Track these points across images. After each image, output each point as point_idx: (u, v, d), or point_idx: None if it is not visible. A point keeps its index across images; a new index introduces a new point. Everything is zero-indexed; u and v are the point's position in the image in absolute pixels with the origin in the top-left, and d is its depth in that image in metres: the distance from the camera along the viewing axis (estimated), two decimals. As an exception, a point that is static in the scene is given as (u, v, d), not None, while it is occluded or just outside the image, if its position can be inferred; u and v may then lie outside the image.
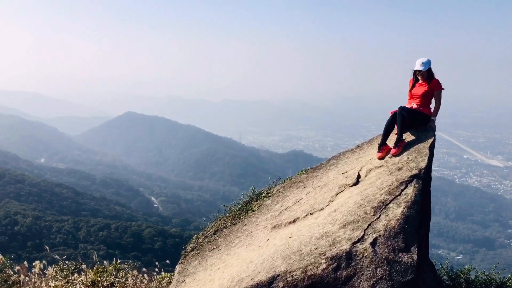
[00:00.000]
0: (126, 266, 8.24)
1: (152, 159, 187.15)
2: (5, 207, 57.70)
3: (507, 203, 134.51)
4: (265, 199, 7.77)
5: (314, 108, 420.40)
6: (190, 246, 7.34)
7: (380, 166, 6.20)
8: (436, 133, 6.60)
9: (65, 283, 7.04)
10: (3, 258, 8.28)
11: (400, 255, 4.56)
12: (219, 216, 8.10)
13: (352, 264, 4.54)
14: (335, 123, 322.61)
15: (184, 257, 7.03)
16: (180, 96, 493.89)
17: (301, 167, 8.59)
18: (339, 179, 6.59)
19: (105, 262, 7.73)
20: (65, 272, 7.50)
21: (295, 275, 4.54)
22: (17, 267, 8.04)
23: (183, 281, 6.17)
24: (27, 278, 7.56)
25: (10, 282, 7.70)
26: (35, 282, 7.43)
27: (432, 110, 6.78)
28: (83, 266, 7.83)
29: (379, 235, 4.70)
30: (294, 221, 6.05)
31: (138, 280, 7.75)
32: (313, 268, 4.55)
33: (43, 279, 7.47)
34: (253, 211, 7.47)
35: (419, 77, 6.77)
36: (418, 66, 6.64)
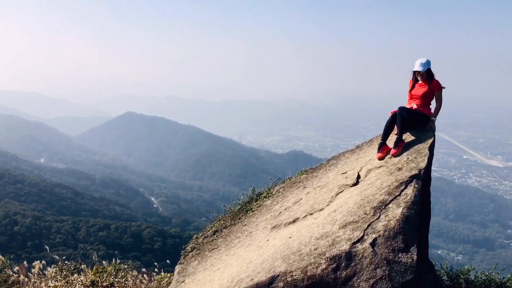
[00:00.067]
0: (126, 266, 8.23)
1: (152, 159, 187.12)
2: (4, 207, 57.68)
3: (507, 203, 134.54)
4: (264, 199, 7.77)
5: (314, 108, 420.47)
6: (190, 246, 7.34)
7: (380, 167, 6.21)
8: (435, 133, 6.60)
9: (64, 283, 7.04)
10: (2, 258, 8.28)
11: (399, 256, 4.56)
12: (219, 217, 8.10)
13: (352, 264, 4.54)
14: (335, 123, 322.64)
15: (184, 257, 7.02)
16: (180, 96, 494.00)
17: (300, 168, 8.59)
18: (339, 180, 6.59)
19: (104, 262, 7.73)
20: (64, 272, 7.49)
21: (295, 276, 4.54)
22: (17, 267, 8.04)
23: (182, 281, 6.17)
24: (26, 279, 7.56)
25: (10, 282, 7.70)
26: (35, 282, 7.43)
27: (432, 111, 6.79)
28: (83, 266, 7.83)
29: (379, 236, 4.70)
30: (293, 221, 6.05)
31: (137, 280, 7.75)
32: (313, 268, 4.55)
33: (43, 279, 7.46)
34: (252, 211, 7.47)
35: (418, 78, 6.77)
36: (417, 67, 6.63)
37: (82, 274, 7.48)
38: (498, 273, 6.74)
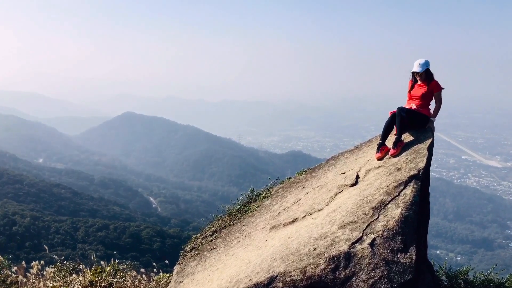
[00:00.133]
0: (125, 266, 8.23)
1: (151, 160, 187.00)
2: (3, 207, 57.61)
3: (505, 203, 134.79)
4: (264, 199, 7.76)
5: (313, 108, 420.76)
6: (189, 246, 7.33)
7: (379, 167, 6.21)
8: (434, 133, 6.60)
9: (63, 283, 7.03)
10: (1, 259, 8.28)
11: (398, 256, 4.56)
12: (218, 217, 8.09)
13: (351, 264, 4.54)
14: (334, 123, 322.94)
15: (183, 257, 7.02)
16: (179, 96, 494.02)
17: (300, 168, 8.59)
18: (338, 180, 6.59)
19: (102, 262, 7.72)
20: (63, 273, 7.48)
21: (294, 276, 4.54)
22: (15, 268, 8.03)
23: (181, 282, 6.16)
24: (25, 279, 7.55)
25: (8, 282, 7.69)
26: (33, 282, 7.42)
27: (431, 111, 6.79)
28: (81, 266, 7.82)
29: (378, 236, 4.70)
30: (293, 221, 6.05)
31: (136, 280, 7.74)
32: (312, 268, 4.55)
33: (41, 279, 7.45)
34: (251, 211, 7.47)
35: (417, 78, 6.77)
36: (415, 68, 6.64)
37: (80, 274, 7.47)
38: (496, 273, 6.75)
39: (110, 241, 53.44)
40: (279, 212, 6.70)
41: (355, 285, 4.45)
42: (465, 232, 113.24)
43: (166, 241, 55.43)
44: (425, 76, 6.65)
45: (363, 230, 4.82)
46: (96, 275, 7.10)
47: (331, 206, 5.83)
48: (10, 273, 8.02)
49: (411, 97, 6.86)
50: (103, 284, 6.93)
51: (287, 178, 8.36)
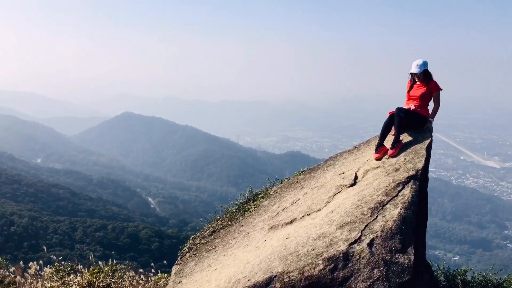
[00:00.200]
0: (124, 266, 8.21)
1: (149, 160, 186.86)
2: (1, 208, 57.46)
3: (504, 204, 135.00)
4: (262, 199, 7.76)
5: (312, 109, 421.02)
6: (187, 247, 7.32)
7: (377, 167, 6.21)
8: (433, 134, 6.61)
9: (61, 284, 7.01)
10: (-1, 259, 8.25)
11: (397, 256, 4.56)
12: (216, 217, 8.09)
13: (349, 265, 4.54)
14: (333, 124, 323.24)
15: (181, 258, 7.01)
16: (177, 97, 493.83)
17: (298, 168, 8.59)
18: (337, 180, 6.59)
19: (100, 262, 7.70)
20: (61, 273, 7.46)
21: (292, 276, 4.54)
22: (13, 268, 8.01)
23: (179, 282, 6.15)
24: (23, 279, 7.53)
25: (6, 282, 7.66)
26: (31, 282, 7.40)
27: (430, 112, 6.80)
28: (79, 267, 7.80)
29: (376, 236, 4.70)
30: (291, 221, 6.05)
31: (134, 281, 7.72)
32: (310, 269, 4.55)
33: (39, 279, 7.43)
34: (250, 211, 7.46)
35: (416, 79, 6.78)
36: (413, 69, 6.65)
37: (78, 274, 7.45)
38: (495, 273, 6.75)
39: (108, 242, 53.36)
40: (278, 213, 6.69)
41: (353, 286, 4.45)
42: (464, 233, 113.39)
43: (164, 241, 55.37)
44: (424, 76, 6.65)
45: (362, 231, 4.82)
46: (94, 276, 7.09)
47: (329, 206, 5.83)
48: (8, 273, 8.00)
49: (409, 98, 6.86)
50: (101, 285, 6.91)
51: (286, 179, 8.36)
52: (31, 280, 7.46)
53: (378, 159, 6.40)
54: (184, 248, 7.34)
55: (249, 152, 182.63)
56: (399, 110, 6.53)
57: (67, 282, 7.03)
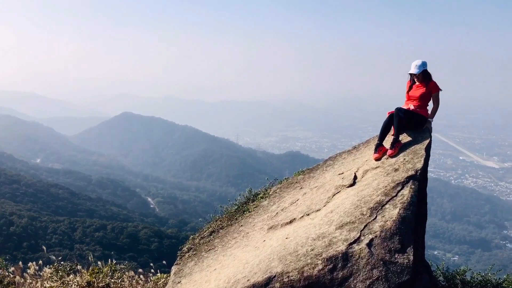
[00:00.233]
0: (123, 266, 8.20)
1: (149, 160, 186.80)
2: (0, 208, 57.40)
3: (503, 204, 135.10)
4: (261, 200, 7.76)
5: (311, 109, 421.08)
6: (186, 247, 7.33)
7: (376, 167, 6.21)
8: (432, 134, 6.61)
9: (60, 284, 7.01)
10: (-2, 259, 8.24)
11: (396, 256, 4.57)
12: (216, 217, 8.09)
13: (348, 265, 4.54)
14: (332, 124, 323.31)
15: (180, 258, 7.01)
16: (177, 97, 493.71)
17: (297, 168, 8.59)
18: (336, 180, 6.60)
19: (99, 263, 7.70)
20: (60, 273, 7.46)
21: (292, 276, 4.54)
22: (12, 268, 8.00)
23: (179, 282, 6.16)
24: (22, 279, 7.52)
25: (5, 282, 7.66)
26: (30, 283, 7.39)
27: (429, 112, 6.80)
28: (79, 267, 7.80)
29: (375, 236, 4.70)
30: (290, 222, 6.05)
31: (134, 281, 7.72)
32: (310, 269, 4.55)
33: (39, 280, 7.43)
34: (249, 212, 7.46)
35: (415, 80, 6.79)
36: (412, 69, 6.66)
37: (78, 275, 7.45)
38: (494, 274, 6.76)
39: (108, 242, 53.34)
40: (277, 213, 6.70)
41: (352, 286, 4.45)
42: (463, 233, 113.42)
43: (164, 241, 55.35)
44: (423, 77, 6.65)
45: (361, 231, 4.82)
46: (93, 276, 7.09)
47: (328, 206, 5.83)
48: (7, 273, 7.99)
49: (409, 98, 6.86)
50: (100, 285, 6.91)
51: (285, 179, 8.36)
52: (31, 280, 7.45)
53: (377, 159, 6.40)
54: (183, 248, 7.34)
55: (248, 152, 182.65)
56: (399, 110, 6.53)
57: (66, 282, 7.03)
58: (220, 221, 7.72)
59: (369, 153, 6.84)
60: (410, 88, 6.86)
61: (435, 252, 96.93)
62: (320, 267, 4.54)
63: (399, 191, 5.32)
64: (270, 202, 7.43)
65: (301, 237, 5.14)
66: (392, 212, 4.96)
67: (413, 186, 5.37)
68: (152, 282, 7.94)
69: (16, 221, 52.83)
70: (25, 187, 75.36)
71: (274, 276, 4.59)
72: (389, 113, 6.68)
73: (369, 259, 4.53)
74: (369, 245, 4.63)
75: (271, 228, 6.19)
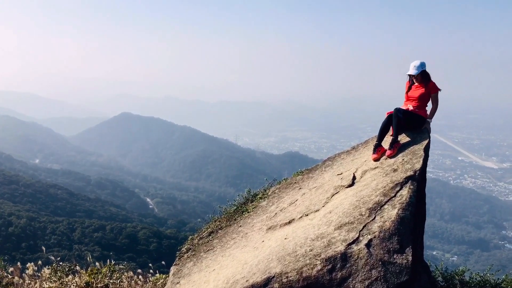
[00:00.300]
0: (122, 267, 8.20)
1: (148, 160, 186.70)
2: (-1, 208, 57.34)
3: (501, 204, 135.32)
4: (260, 200, 7.76)
5: (310, 109, 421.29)
6: (185, 247, 7.32)
7: (375, 168, 6.22)
8: (431, 134, 6.62)
9: (59, 284, 7.00)
10: (-3, 260, 8.23)
11: (395, 257, 4.57)
12: (215, 218, 8.09)
13: (347, 265, 4.54)
14: (331, 124, 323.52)
15: (179, 258, 7.00)
16: (176, 97, 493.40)
17: (296, 168, 8.59)
18: (335, 181, 6.60)
19: (97, 263, 7.69)
20: (59, 274, 7.45)
21: (290, 277, 4.54)
22: (11, 268, 7.98)
23: (178, 283, 6.15)
24: (21, 280, 7.51)
25: (4, 283, 7.65)
26: (29, 283, 7.38)
27: (428, 112, 6.80)
28: (77, 267, 7.79)
29: (374, 237, 4.71)
30: (289, 222, 6.05)
31: (132, 281, 7.71)
32: (308, 269, 4.55)
33: (37, 280, 7.41)
34: (248, 212, 7.46)
35: (414, 80, 6.78)
36: (411, 70, 6.63)
37: (76, 275, 7.44)
38: (492, 274, 6.77)
39: (107, 242, 53.28)
40: (276, 213, 6.70)
41: (351, 286, 4.45)
42: (461, 233, 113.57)
43: (162, 242, 55.33)
44: (422, 78, 6.64)
45: (360, 231, 4.82)
46: (92, 276, 7.08)
47: (327, 207, 5.83)
48: (6, 274, 7.98)
49: (408, 98, 6.86)
50: (99, 285, 6.90)
51: (284, 179, 8.37)
52: (29, 281, 7.44)
53: (376, 159, 6.40)
54: (182, 249, 7.33)
55: (247, 153, 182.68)
56: (398, 110, 6.53)
57: (65, 282, 7.02)
58: (219, 221, 7.72)
59: (368, 153, 6.84)
60: (409, 88, 6.85)
61: (434, 253, 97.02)
62: (319, 267, 4.54)
63: (397, 191, 5.32)
64: (269, 202, 7.43)
65: (300, 238, 5.14)
66: (390, 213, 4.96)
67: (411, 187, 5.38)
68: (151, 282, 7.93)
69: (15, 222, 52.75)
70: (24, 188, 75.25)
71: (273, 277, 4.59)
72: (388, 113, 6.68)
73: (367, 259, 4.53)
74: (368, 245, 4.63)
75: (270, 228, 6.19)
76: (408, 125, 6.58)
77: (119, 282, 7.26)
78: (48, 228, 54.45)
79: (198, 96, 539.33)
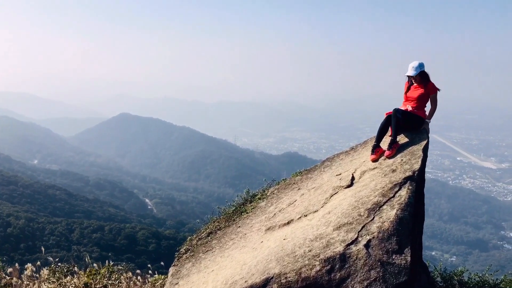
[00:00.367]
0: (121, 268, 8.19)
1: (147, 161, 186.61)
2: (-3, 209, 57.23)
3: (500, 205, 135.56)
4: (259, 201, 7.76)
5: (309, 109, 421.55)
6: (184, 248, 7.32)
7: (374, 168, 6.22)
8: (429, 135, 6.61)
9: (57, 285, 6.98)
10: (-5, 260, 8.20)
11: (393, 257, 4.57)
12: (213, 218, 8.09)
13: (346, 266, 4.54)
14: (330, 125, 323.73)
15: (178, 259, 7.00)
16: (175, 98, 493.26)
17: (295, 169, 8.59)
18: (333, 181, 6.60)
19: (95, 264, 7.67)
20: (57, 275, 7.44)
21: (289, 277, 4.54)
22: (10, 269, 7.96)
23: (176, 284, 6.14)
24: (19, 281, 7.49)
25: (2, 284, 7.63)
26: (28, 284, 7.37)
27: (427, 113, 6.79)
28: (76, 268, 7.77)
29: (373, 237, 4.70)
30: (288, 223, 6.04)
31: (131, 282, 7.70)
32: (307, 270, 4.55)
33: (36, 281, 7.40)
34: (247, 213, 7.46)
35: (413, 81, 6.77)
36: (410, 71, 6.60)
37: (75, 276, 7.43)
38: (491, 274, 6.78)
39: (105, 243, 53.22)
40: (275, 214, 6.69)
41: (350, 287, 4.45)
42: (460, 233, 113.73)
43: (161, 242, 55.30)
44: (420, 78, 6.63)
45: (358, 232, 4.82)
46: (90, 277, 7.07)
47: (326, 207, 5.83)
48: (4, 275, 7.96)
49: (407, 99, 6.85)
50: (98, 286, 6.89)
51: (283, 180, 8.37)
52: (28, 282, 7.42)
53: (374, 160, 6.40)
54: (181, 250, 7.33)
55: (246, 153, 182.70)
56: (396, 111, 6.52)
57: (63, 283, 7.01)
58: (218, 222, 7.72)
59: (367, 154, 6.84)
60: (408, 89, 6.84)
61: (433, 253, 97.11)
62: (318, 268, 4.54)
63: (396, 192, 5.32)
64: (267, 203, 7.43)
65: (299, 238, 5.14)
66: (389, 213, 4.96)
67: (410, 187, 5.38)
68: (150, 283, 7.92)
69: (14, 223, 52.65)
70: (22, 188, 75.13)
71: (272, 277, 4.59)
72: (387, 114, 6.67)
73: (366, 260, 4.53)
74: (367, 246, 4.63)
75: (268, 229, 6.18)
76: (407, 125, 6.58)
77: (118, 283, 7.25)
78: (46, 229, 54.37)
79: (197, 96, 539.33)
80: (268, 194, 7.87)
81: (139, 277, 8.09)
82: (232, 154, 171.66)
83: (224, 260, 5.95)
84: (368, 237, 4.71)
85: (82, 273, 7.46)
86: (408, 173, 5.61)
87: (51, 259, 8.12)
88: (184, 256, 6.98)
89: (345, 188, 6.13)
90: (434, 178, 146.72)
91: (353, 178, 6.30)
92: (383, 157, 6.35)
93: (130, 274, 8.02)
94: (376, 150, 6.47)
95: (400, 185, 5.43)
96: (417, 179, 5.58)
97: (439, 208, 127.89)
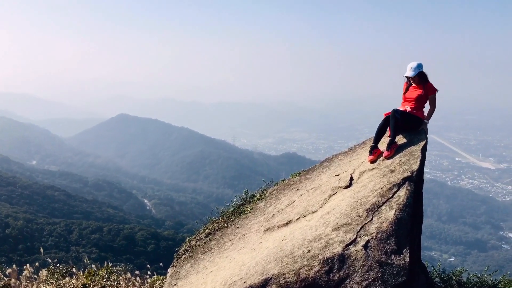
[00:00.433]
0: (119, 268, 8.18)
1: (145, 161, 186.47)
2: (-4, 210, 57.13)
3: (499, 205, 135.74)
4: (258, 201, 7.76)
5: (308, 110, 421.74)
6: (183, 249, 7.31)
7: (372, 169, 6.22)
8: (428, 135, 6.62)
9: (56, 286, 6.97)
10: (-7, 261, 8.19)
11: (392, 258, 4.57)
12: (212, 219, 8.08)
13: (345, 266, 4.54)
14: (329, 125, 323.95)
15: (177, 260, 6.99)
16: (173, 98, 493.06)
17: (294, 170, 8.60)
18: (332, 182, 6.60)
19: (94, 265, 7.67)
20: (56, 276, 7.43)
21: (288, 278, 4.54)
22: (8, 270, 7.95)
23: (175, 284, 6.14)
24: (18, 282, 7.47)
25: (1, 285, 7.62)
26: (26, 285, 7.35)
27: (426, 114, 6.80)
28: (74, 269, 7.76)
29: (372, 238, 4.71)
30: (287, 223, 6.04)
31: (130, 283, 7.69)
32: (306, 270, 4.55)
33: (34, 282, 7.39)
34: (246, 213, 7.46)
35: (411, 81, 6.77)
36: (408, 72, 6.58)
37: (74, 277, 7.42)
38: (490, 274, 6.78)
39: (104, 244, 53.15)
40: (273, 214, 6.69)
41: (349, 287, 4.45)
42: (459, 234, 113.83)
43: (160, 243, 55.25)
44: (419, 79, 6.62)
45: (357, 232, 4.82)
46: (89, 278, 7.06)
47: (325, 208, 5.83)
48: (3, 276, 7.94)
49: (405, 99, 6.84)
50: (96, 287, 6.88)
51: (282, 180, 8.37)
52: (26, 283, 7.41)
53: (372, 161, 6.40)
54: (179, 250, 7.32)
55: (245, 154, 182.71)
56: (395, 111, 6.52)
57: (62, 284, 7.00)
58: (217, 223, 7.71)
59: (365, 154, 6.85)
60: (407, 89, 6.84)
61: (432, 253, 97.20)
62: (317, 268, 4.54)
63: (395, 192, 5.33)
64: (266, 203, 7.43)
65: (298, 239, 5.14)
66: (388, 214, 4.97)
67: (409, 188, 5.38)
68: (149, 284, 7.91)
69: (12, 223, 52.56)
70: (21, 189, 75.01)
71: (271, 278, 4.59)
72: (385, 114, 6.67)
73: (365, 260, 4.53)
74: (366, 246, 4.63)
75: (267, 229, 6.18)
76: (406, 126, 6.58)
77: (117, 284, 7.24)
78: (45, 230, 54.30)
79: (195, 97, 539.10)
80: (267, 194, 7.86)
81: (138, 278, 8.09)
82: (231, 154, 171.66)
83: (223, 261, 5.95)
84: (366, 238, 4.72)
85: (81, 274, 7.45)
86: (407, 174, 5.61)
87: (50, 260, 8.11)
88: (183, 257, 6.97)
89: (344, 188, 6.13)
90: (432, 179, 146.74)
91: (351, 179, 6.30)
92: (381, 158, 6.36)
93: (129, 275, 8.02)
94: (374, 151, 6.47)
95: (399, 185, 5.43)
96: (415, 180, 5.59)
97: (438, 208, 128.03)
